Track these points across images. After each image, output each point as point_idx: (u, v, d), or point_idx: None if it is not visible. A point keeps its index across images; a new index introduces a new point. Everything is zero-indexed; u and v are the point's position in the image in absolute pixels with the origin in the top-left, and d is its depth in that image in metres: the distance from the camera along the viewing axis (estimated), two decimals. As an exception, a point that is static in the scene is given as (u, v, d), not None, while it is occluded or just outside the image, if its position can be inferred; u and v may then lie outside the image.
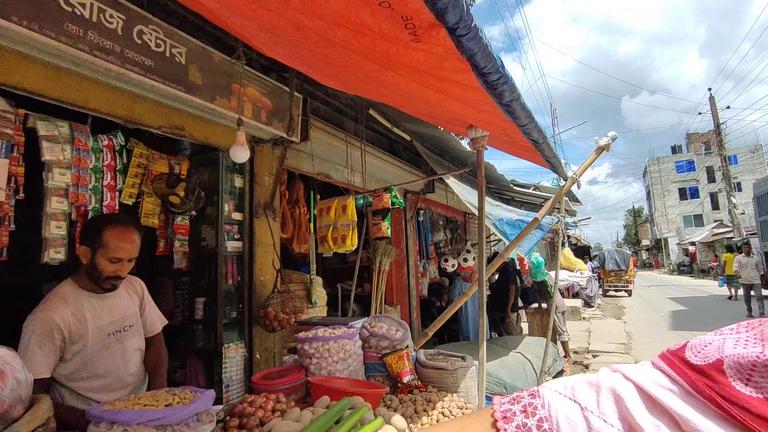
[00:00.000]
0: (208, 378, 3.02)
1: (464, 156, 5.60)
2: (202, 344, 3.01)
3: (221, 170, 3.06)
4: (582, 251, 24.41)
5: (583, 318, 12.12)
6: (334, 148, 3.97)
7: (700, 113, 27.63)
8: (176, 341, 3.07)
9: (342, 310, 5.87)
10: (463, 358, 2.40)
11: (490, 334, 7.89)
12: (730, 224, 23.31)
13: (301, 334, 2.14)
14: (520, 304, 8.39)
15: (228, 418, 1.49)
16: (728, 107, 25.42)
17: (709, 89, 24.35)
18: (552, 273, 16.03)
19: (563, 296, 15.36)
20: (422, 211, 7.22)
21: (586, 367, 6.86)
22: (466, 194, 4.95)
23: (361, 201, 6.21)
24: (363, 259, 5.96)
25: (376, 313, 5.61)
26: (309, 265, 4.28)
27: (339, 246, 3.10)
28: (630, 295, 19.01)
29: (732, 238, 21.37)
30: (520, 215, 4.89)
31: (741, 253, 11.80)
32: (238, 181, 3.18)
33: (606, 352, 7.81)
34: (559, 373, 6.14)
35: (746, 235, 17.96)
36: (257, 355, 3.04)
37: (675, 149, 53.29)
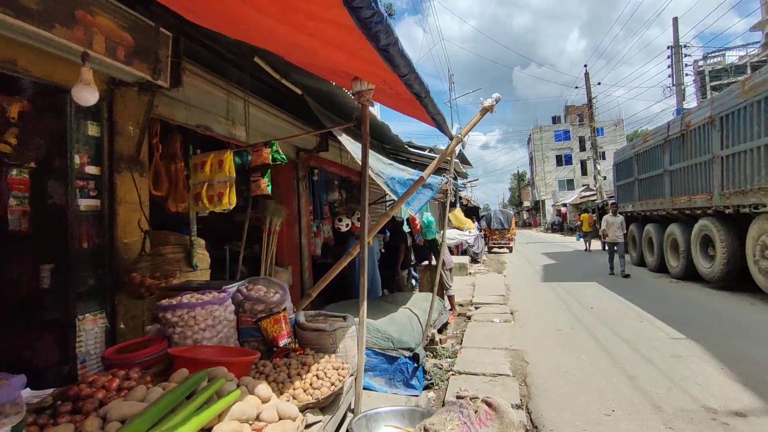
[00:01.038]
0: (62, 353, 2.67)
1: (356, 112, 5.49)
2: (51, 316, 2.63)
3: (69, 115, 2.60)
4: (472, 212, 26.16)
5: (470, 273, 13.08)
6: (215, 98, 3.60)
7: (576, 87, 30.40)
8: (23, 314, 2.66)
9: (230, 273, 5.59)
10: (344, 318, 2.39)
11: (383, 291, 8.16)
12: (594, 188, 26.55)
13: (164, 301, 1.94)
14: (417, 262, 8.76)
15: (59, 403, 1.29)
16: (599, 83, 28.31)
17: (585, 66, 26.81)
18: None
19: (453, 254, 16.42)
20: (316, 171, 7.04)
21: (469, 317, 7.43)
22: (358, 152, 4.88)
23: (250, 157, 5.86)
24: (252, 219, 5.68)
25: (265, 274, 5.43)
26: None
27: (215, 204, 2.86)
28: (511, 251, 20.96)
29: (595, 200, 24.37)
30: (411, 175, 4.97)
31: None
32: (93, 130, 2.74)
33: (487, 303, 8.51)
34: (445, 325, 6.57)
35: (606, 198, 20.55)
36: (121, 326, 2.74)
37: (555, 119, 58.50)
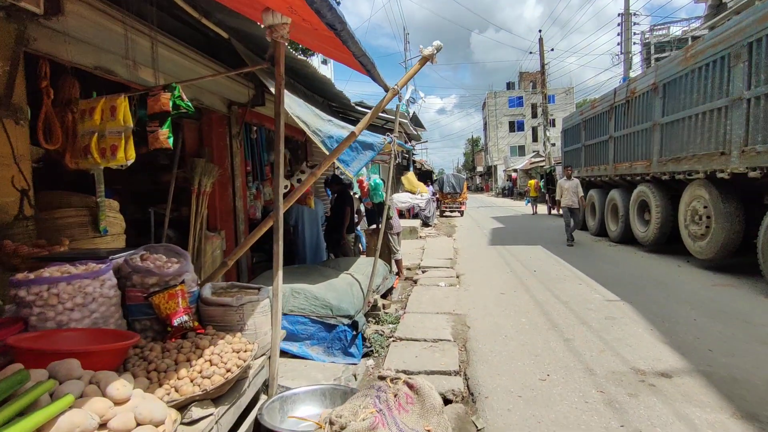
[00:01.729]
0: None
1: (297, 65, 5.03)
2: None
3: None
4: (425, 175, 26.14)
5: (420, 237, 13.08)
6: (117, 34, 3.07)
7: (531, 52, 30.48)
8: None
9: (156, 238, 5.13)
10: (258, 289, 2.10)
11: (328, 255, 7.92)
12: (544, 155, 27.18)
13: (18, 276, 1.57)
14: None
15: None
16: (552, 50, 28.49)
17: (540, 31, 26.76)
18: (395, 194, 16.73)
19: (404, 217, 16.37)
20: (254, 128, 6.54)
21: (415, 282, 7.37)
22: (295, 107, 4.47)
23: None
24: (179, 178, 5.19)
25: (195, 240, 5.02)
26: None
27: (108, 159, 2.43)
28: (462, 215, 21.24)
29: (543, 166, 24.96)
30: (352, 134, 4.64)
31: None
32: (-56, 64, 2.22)
33: (434, 267, 8.50)
34: (390, 290, 6.44)
35: (554, 164, 21.05)
36: (-6, 302, 2.32)
37: (509, 86, 59.00)
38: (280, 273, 2.06)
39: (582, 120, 12.94)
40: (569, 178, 10.75)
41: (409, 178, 19.02)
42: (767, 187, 6.10)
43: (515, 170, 41.24)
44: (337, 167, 9.55)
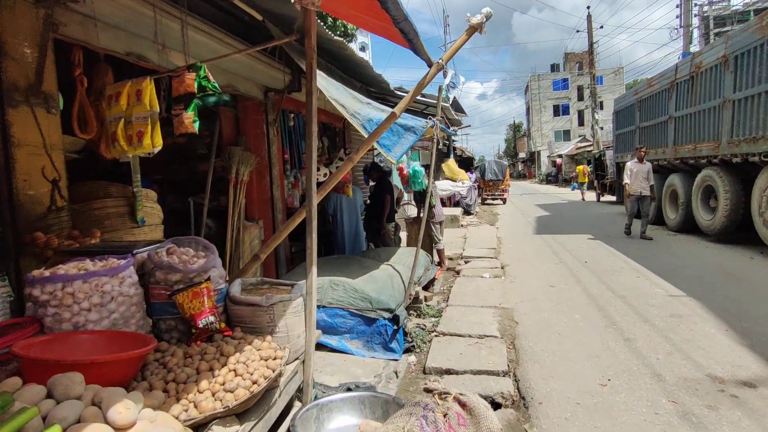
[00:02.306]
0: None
1: (333, 46, 4.81)
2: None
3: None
4: (466, 162, 25.53)
5: (461, 225, 12.71)
6: (146, 17, 2.96)
7: (578, 31, 28.96)
8: None
9: (195, 228, 5.12)
10: (291, 287, 1.92)
11: (368, 245, 7.75)
12: (591, 139, 25.86)
13: (35, 273, 1.45)
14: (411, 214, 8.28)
15: None
16: (602, 27, 26.95)
17: (588, 7, 25.31)
18: (436, 182, 16.44)
19: (445, 205, 16.00)
20: (292, 115, 6.41)
21: (458, 272, 7.08)
22: (332, 89, 4.27)
23: (214, 98, 5.21)
24: (217, 168, 5.14)
25: (233, 230, 4.96)
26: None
27: (135, 146, 2.31)
28: (504, 203, 20.57)
29: (591, 151, 23.76)
30: (392, 118, 4.39)
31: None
32: (-29, 51, 2.15)
33: (477, 257, 8.17)
34: (432, 281, 6.20)
35: (603, 148, 19.96)
36: (28, 295, 2.26)
37: (553, 68, 56.54)
38: (314, 269, 1.87)
39: (637, 100, 12.05)
40: (641, 160, 9.02)
41: (450, 165, 18.58)
42: None
43: (560, 156, 39.60)
44: (377, 153, 9.35)
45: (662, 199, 10.30)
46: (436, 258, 7.86)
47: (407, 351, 4.26)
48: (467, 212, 15.19)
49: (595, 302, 5.04)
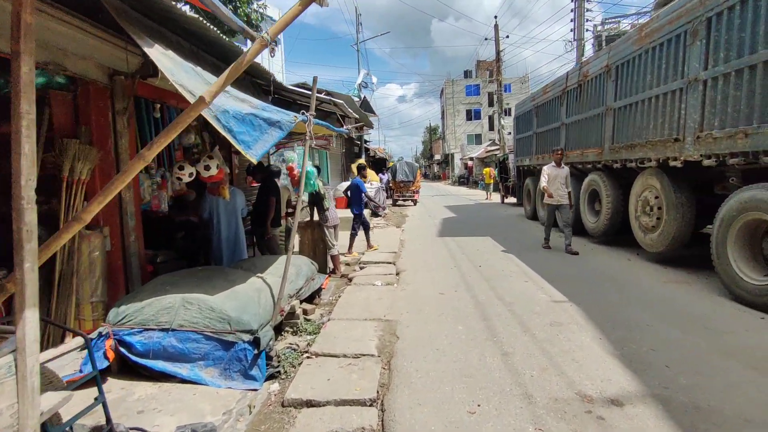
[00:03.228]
0: None
1: (194, 26, 4.10)
2: None
3: None
4: (379, 163, 25.41)
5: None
6: None
7: (486, 39, 30.17)
8: None
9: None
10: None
11: (254, 252, 7.04)
12: (499, 143, 27.01)
13: None
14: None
15: None
16: (507, 36, 28.29)
17: (495, 17, 26.41)
18: (343, 183, 15.93)
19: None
20: (159, 106, 5.56)
21: (350, 279, 6.63)
22: (181, 73, 3.57)
23: (42, 79, 4.27)
24: (48, 163, 4.20)
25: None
26: None
27: None
28: (415, 204, 20.67)
29: (497, 154, 24.79)
30: (254, 107, 3.79)
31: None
32: None
33: (375, 262, 7.79)
34: (317, 291, 5.67)
35: (507, 152, 20.80)
36: None
37: (466, 74, 58.89)
38: (30, 314, 1.23)
39: (534, 106, 12.52)
40: (558, 164, 8.00)
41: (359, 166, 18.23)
42: (719, 176, 5.73)
43: (471, 158, 41.22)
44: (274, 152, 8.60)
45: (537, 200, 10.68)
46: (332, 265, 7.37)
47: (272, 377, 3.69)
48: (375, 214, 14.90)
49: (481, 311, 4.82)
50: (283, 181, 7.60)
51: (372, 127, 18.08)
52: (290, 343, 4.31)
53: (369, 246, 9.07)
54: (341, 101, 7.63)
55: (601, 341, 3.83)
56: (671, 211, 6.21)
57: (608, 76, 7.87)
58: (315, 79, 4.31)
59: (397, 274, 6.89)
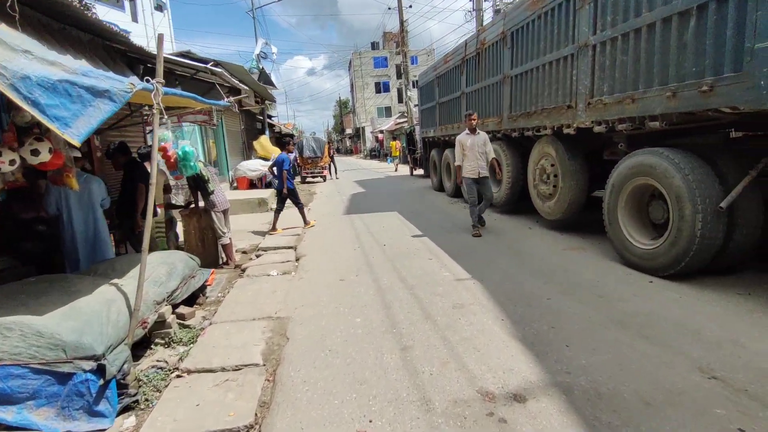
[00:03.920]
0: None
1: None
2: None
3: None
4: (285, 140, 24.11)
5: (271, 209, 11.50)
6: None
7: (389, 8, 29.59)
8: None
9: None
10: None
11: (126, 249, 6.02)
12: (407, 115, 26.94)
13: None
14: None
15: None
16: (410, 6, 27.92)
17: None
18: (245, 162, 14.69)
19: (257, 187, 14.53)
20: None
21: (243, 270, 5.94)
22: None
23: None
24: None
25: None
26: None
27: None
28: (325, 180, 19.97)
29: (405, 126, 24.72)
30: (70, 72, 2.92)
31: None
32: None
33: (273, 248, 7.12)
34: (201, 290, 4.92)
35: (414, 124, 20.73)
36: None
37: (374, 45, 58.08)
38: None
39: (436, 76, 12.32)
40: (473, 131, 6.92)
41: (262, 142, 17.05)
42: (609, 142, 5.84)
43: (381, 131, 41.07)
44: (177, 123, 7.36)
45: (442, 172, 10.70)
46: (225, 255, 6.59)
47: (128, 409, 3.00)
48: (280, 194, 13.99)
49: (382, 297, 4.44)
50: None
51: (273, 101, 16.86)
52: (158, 360, 3.60)
53: (306, 223, 9.12)
54: (219, 69, 6.67)
55: (503, 322, 3.62)
56: (567, 178, 6.28)
57: (504, 43, 7.76)
58: (161, 37, 3.47)
59: (297, 260, 6.31)
